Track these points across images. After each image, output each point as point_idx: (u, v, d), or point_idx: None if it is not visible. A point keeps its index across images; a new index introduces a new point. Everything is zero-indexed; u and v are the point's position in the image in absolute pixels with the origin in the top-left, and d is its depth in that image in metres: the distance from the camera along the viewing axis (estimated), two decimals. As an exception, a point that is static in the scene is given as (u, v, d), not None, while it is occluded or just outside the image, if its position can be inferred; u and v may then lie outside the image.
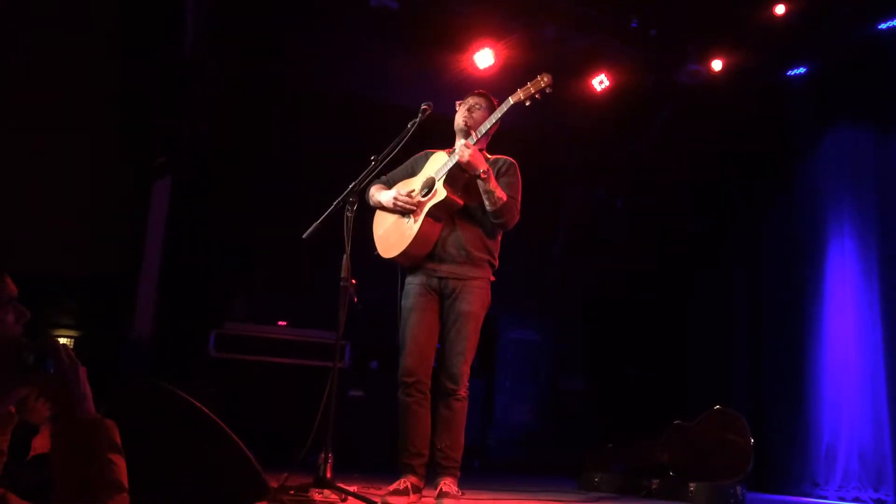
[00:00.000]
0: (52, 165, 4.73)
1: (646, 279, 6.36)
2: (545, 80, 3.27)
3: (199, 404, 1.86)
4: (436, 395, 3.37)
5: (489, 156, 3.50)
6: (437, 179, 3.38)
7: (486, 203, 3.31)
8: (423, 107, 3.38)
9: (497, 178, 3.39)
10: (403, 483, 3.24)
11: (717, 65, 5.77)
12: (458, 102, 3.58)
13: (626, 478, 4.52)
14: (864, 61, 5.18)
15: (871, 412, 4.79)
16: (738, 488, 4.09)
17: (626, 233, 6.76)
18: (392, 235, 3.45)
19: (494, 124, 3.39)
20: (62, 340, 4.55)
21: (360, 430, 5.07)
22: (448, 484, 3.26)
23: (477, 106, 3.51)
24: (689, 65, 5.89)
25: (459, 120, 3.51)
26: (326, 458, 3.02)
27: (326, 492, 2.96)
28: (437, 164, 3.46)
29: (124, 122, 5.01)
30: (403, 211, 3.42)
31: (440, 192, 3.32)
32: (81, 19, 4.83)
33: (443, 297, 3.39)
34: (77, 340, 4.67)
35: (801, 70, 5.65)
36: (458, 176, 3.34)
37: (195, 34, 5.19)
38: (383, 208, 3.53)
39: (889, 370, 4.73)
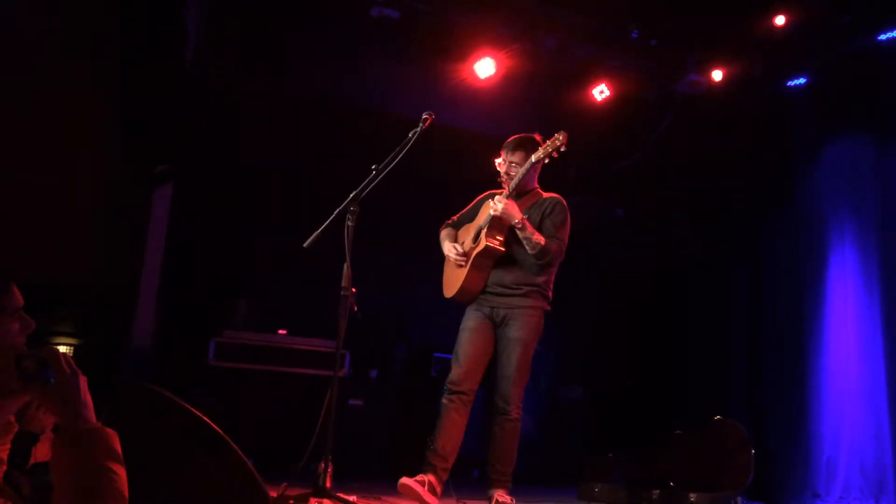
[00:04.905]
0: (53, 173, 4.72)
1: (646, 289, 6.35)
2: (560, 138, 3.49)
3: (198, 413, 1.85)
4: (491, 413, 3.61)
5: (542, 193, 3.77)
6: (481, 229, 3.68)
7: (527, 248, 3.56)
8: (424, 116, 3.43)
9: (543, 218, 3.66)
10: (421, 477, 3.40)
11: (717, 75, 5.77)
12: (502, 151, 3.80)
13: (626, 488, 4.51)
14: (864, 72, 5.18)
15: (872, 423, 4.77)
16: (739, 499, 4.08)
17: (626, 242, 6.76)
18: (450, 278, 3.82)
19: (526, 174, 3.65)
20: (62, 349, 4.55)
21: (359, 438, 5.07)
22: (502, 494, 3.51)
23: (514, 164, 3.71)
24: (690, 75, 5.90)
25: (502, 173, 3.77)
26: (326, 468, 3.03)
27: (326, 501, 2.96)
28: (486, 212, 3.71)
29: (125, 129, 5.01)
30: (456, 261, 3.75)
31: (482, 242, 3.63)
32: (82, 27, 4.84)
33: (495, 324, 3.67)
34: (77, 349, 4.66)
35: (802, 81, 5.65)
36: (498, 225, 3.63)
37: (196, 42, 5.21)
38: None
39: (890, 381, 4.71)
